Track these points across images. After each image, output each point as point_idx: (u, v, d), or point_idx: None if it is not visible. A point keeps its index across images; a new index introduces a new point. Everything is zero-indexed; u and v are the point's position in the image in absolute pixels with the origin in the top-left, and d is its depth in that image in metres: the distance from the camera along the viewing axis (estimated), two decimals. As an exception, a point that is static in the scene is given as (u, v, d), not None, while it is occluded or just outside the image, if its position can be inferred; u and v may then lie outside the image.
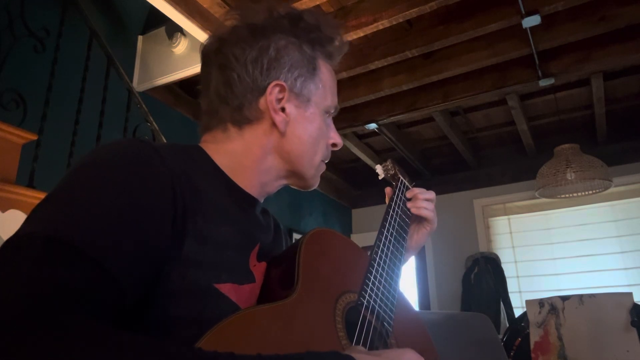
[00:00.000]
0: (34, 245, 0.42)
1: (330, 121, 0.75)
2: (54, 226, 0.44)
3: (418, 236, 0.87)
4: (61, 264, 0.42)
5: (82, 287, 0.42)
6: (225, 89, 0.66)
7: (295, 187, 0.75)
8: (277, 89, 0.66)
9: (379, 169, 0.95)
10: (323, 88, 0.71)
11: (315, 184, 0.74)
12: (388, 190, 0.89)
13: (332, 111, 0.73)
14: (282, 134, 0.67)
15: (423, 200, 0.86)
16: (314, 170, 0.71)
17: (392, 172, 0.93)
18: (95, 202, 0.47)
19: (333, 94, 0.73)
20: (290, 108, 0.67)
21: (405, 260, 0.85)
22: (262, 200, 0.72)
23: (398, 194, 0.87)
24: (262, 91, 0.66)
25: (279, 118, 0.66)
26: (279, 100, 0.66)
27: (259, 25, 0.67)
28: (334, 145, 0.75)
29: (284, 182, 0.72)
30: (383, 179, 0.95)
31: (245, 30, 0.67)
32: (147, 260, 0.49)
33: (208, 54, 0.70)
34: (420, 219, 0.87)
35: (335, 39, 0.73)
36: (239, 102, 0.66)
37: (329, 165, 4.39)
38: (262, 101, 0.66)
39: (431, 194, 0.87)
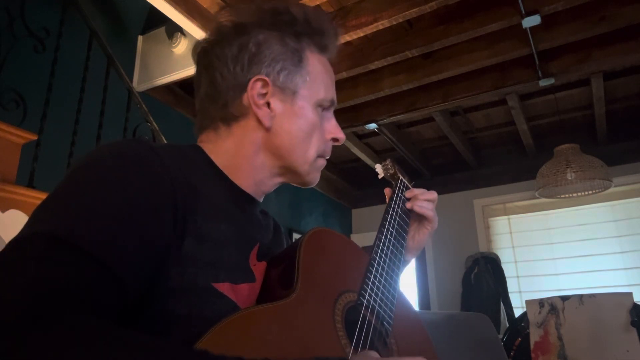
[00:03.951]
0: (37, 245, 0.43)
1: (329, 115, 0.72)
2: (55, 226, 0.44)
3: (419, 236, 0.86)
4: (64, 263, 0.42)
5: (85, 286, 0.42)
6: (211, 89, 0.67)
7: (294, 184, 0.73)
8: (259, 84, 0.65)
9: (378, 168, 0.94)
10: (312, 81, 0.68)
11: (313, 180, 0.71)
12: (387, 190, 0.89)
13: (328, 105, 0.70)
14: (268, 129, 0.66)
15: (424, 200, 0.85)
16: (308, 165, 0.69)
17: (391, 171, 0.93)
18: (96, 202, 0.48)
19: (327, 87, 0.70)
20: (275, 102, 0.66)
21: (407, 262, 0.85)
22: (260, 200, 0.71)
23: (398, 194, 0.87)
24: (244, 87, 0.65)
25: (261, 113, 0.65)
26: (263, 95, 0.66)
27: (241, 23, 0.68)
28: (335, 140, 0.72)
29: (279, 179, 0.70)
30: (383, 178, 0.95)
31: (228, 29, 0.68)
32: (149, 258, 0.49)
33: (197, 56, 0.71)
34: (420, 219, 0.86)
35: (326, 30, 0.71)
36: (223, 101, 0.66)
37: (329, 165, 4.40)
38: (245, 97, 0.65)
39: (432, 195, 0.86)
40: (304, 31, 0.69)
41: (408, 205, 0.85)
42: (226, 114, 0.67)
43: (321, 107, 0.70)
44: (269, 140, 0.66)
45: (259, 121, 0.66)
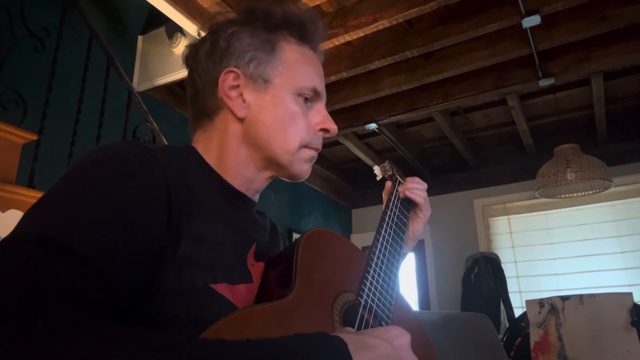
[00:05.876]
0: (26, 245, 0.43)
1: (318, 106, 0.71)
2: (45, 226, 0.44)
3: (414, 226, 0.87)
4: (52, 263, 0.42)
5: (74, 286, 0.42)
6: (192, 89, 0.70)
7: (283, 178, 0.72)
8: (230, 76, 0.66)
9: (376, 169, 0.95)
10: (287, 70, 0.68)
11: (299, 171, 0.69)
12: (388, 183, 0.91)
13: (310, 94, 0.69)
14: (243, 120, 0.67)
15: (413, 183, 0.87)
16: (290, 155, 0.67)
17: (389, 172, 0.93)
18: (87, 203, 0.48)
19: (308, 76, 0.69)
20: (248, 93, 0.67)
21: (404, 255, 0.85)
22: (255, 199, 0.72)
23: (396, 195, 0.87)
24: (217, 81, 0.67)
25: (233, 104, 0.66)
26: (235, 87, 0.67)
27: (216, 25, 0.70)
28: (325, 130, 0.71)
29: (267, 173, 0.70)
30: (382, 179, 0.95)
31: (206, 34, 0.71)
32: (141, 259, 0.49)
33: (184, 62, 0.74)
34: (414, 209, 0.88)
35: (305, 22, 0.71)
36: (202, 97, 0.69)
37: (329, 165, 4.40)
38: (219, 91, 0.67)
39: (422, 182, 0.89)
40: (280, 24, 0.70)
41: (401, 193, 0.87)
42: (206, 110, 0.69)
43: (302, 96, 0.69)
44: (247, 132, 0.67)
45: (234, 113, 0.67)
